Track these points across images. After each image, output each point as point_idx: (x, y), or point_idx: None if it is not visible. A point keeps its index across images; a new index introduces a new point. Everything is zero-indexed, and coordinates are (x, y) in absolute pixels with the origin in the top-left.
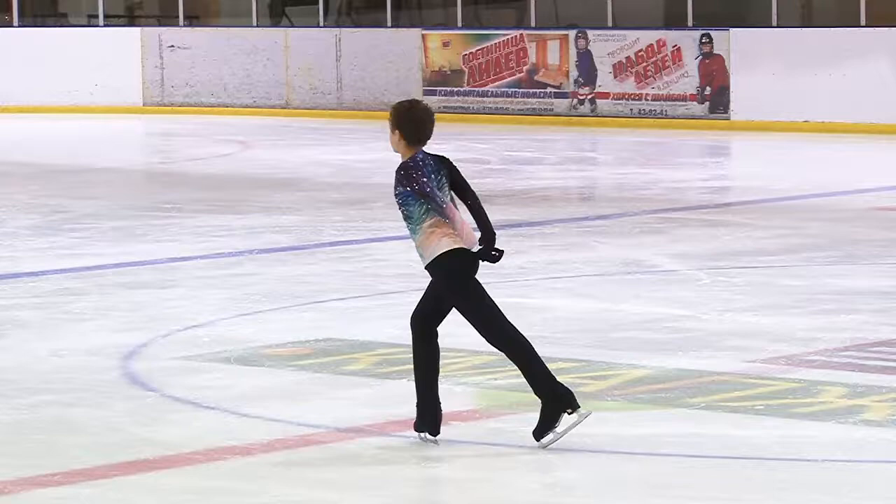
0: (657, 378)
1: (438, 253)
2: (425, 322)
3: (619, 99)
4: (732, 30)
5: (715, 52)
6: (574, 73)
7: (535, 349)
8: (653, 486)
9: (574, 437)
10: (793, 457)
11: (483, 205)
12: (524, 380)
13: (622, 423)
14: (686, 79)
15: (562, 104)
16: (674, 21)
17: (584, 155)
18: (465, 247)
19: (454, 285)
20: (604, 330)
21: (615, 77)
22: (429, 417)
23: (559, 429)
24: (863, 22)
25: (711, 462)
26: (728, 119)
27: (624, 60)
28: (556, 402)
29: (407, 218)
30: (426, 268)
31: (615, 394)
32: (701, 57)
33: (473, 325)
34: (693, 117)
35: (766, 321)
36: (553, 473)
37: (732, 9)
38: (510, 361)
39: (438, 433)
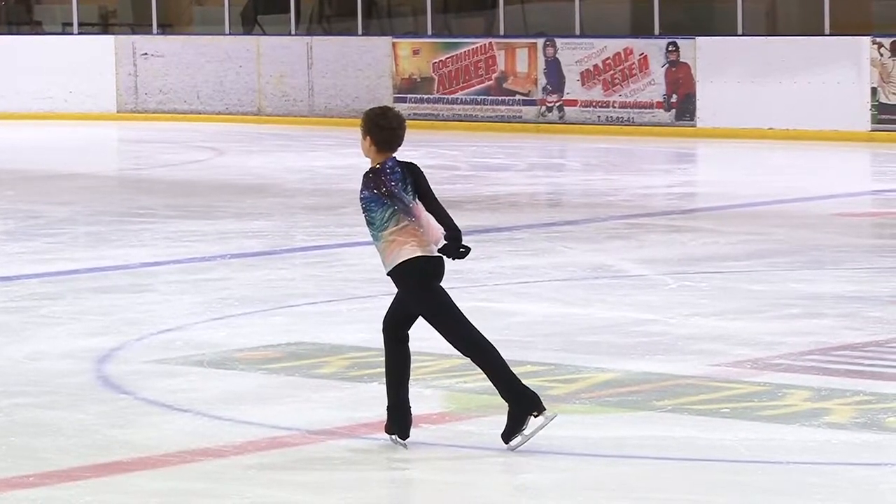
0: (624, 381)
1: (399, 261)
2: (396, 327)
3: (587, 106)
4: (698, 38)
5: (681, 60)
6: (542, 81)
7: (500, 353)
8: (620, 488)
9: (542, 439)
10: (758, 459)
11: (448, 210)
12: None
13: (589, 426)
14: (653, 86)
15: (530, 111)
16: (640, 30)
17: (552, 161)
18: (426, 253)
19: (416, 293)
20: (571, 334)
21: (583, 85)
22: (398, 420)
23: (526, 431)
24: (827, 31)
25: (678, 465)
26: (694, 126)
27: (591, 68)
28: (522, 404)
29: (369, 223)
30: (388, 274)
31: (582, 397)
32: (667, 65)
33: (438, 331)
34: (660, 124)
35: (731, 325)
36: (522, 475)
37: (698, 18)
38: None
39: (408, 437)
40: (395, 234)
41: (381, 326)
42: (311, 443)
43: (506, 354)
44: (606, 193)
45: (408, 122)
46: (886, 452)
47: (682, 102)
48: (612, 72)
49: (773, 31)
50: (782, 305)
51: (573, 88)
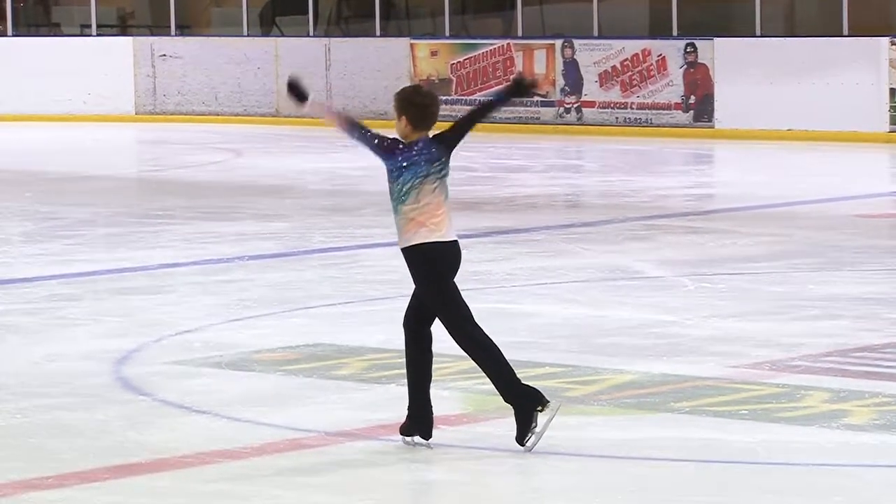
0: (642, 383)
1: (414, 242)
2: (418, 323)
3: (605, 107)
4: (717, 39)
5: (699, 61)
6: (560, 82)
7: (504, 356)
8: (637, 490)
9: (560, 440)
10: (777, 461)
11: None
12: None
13: (607, 427)
14: (671, 87)
15: (548, 113)
16: (659, 31)
17: (570, 163)
18: (442, 238)
19: (425, 279)
20: (589, 335)
21: (601, 86)
22: (421, 420)
23: (537, 429)
24: (845, 32)
25: (696, 466)
26: (712, 127)
27: (609, 69)
28: (525, 402)
29: (389, 193)
30: (401, 250)
31: (601, 398)
32: (685, 66)
33: (443, 323)
34: (678, 126)
35: (749, 327)
36: (539, 476)
37: (716, 19)
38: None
39: (430, 437)
40: (414, 213)
41: (400, 328)
42: (330, 444)
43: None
44: (624, 195)
45: None
46: None
47: (700, 103)
48: (630, 73)
49: (791, 33)
50: (801, 307)
51: (591, 90)
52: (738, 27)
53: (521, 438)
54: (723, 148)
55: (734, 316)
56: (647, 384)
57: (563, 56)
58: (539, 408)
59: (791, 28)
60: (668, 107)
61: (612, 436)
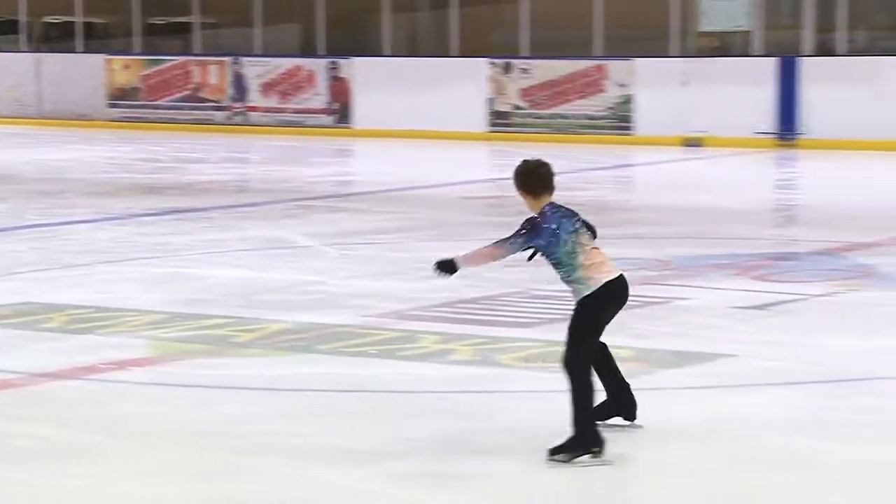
0: (295, 330)
1: (605, 281)
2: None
3: (267, 112)
4: (355, 58)
5: (341, 75)
6: (230, 91)
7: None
8: (292, 414)
9: (229, 378)
10: (400, 389)
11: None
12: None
13: (268, 366)
14: (318, 96)
15: (220, 115)
16: (308, 50)
17: (238, 156)
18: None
19: (599, 308)
20: (252, 293)
21: (263, 94)
22: (624, 405)
23: (566, 459)
24: (455, 53)
25: (338, 394)
26: (351, 128)
27: (270, 81)
28: (583, 444)
29: (558, 267)
30: (589, 294)
31: (262, 343)
32: (330, 79)
33: (569, 338)
34: (324, 126)
35: (378, 285)
36: (214, 407)
37: (355, 42)
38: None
39: (635, 418)
40: (588, 261)
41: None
42: (36, 384)
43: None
44: (281, 181)
45: (120, 125)
46: (499, 382)
47: (342, 109)
48: (286, 84)
49: (413, 54)
50: (419, 269)
51: (255, 97)
52: (372, 48)
53: (553, 452)
54: (359, 145)
55: (367, 276)
56: (298, 331)
57: (232, 70)
58: (595, 452)
59: (413, 49)
60: (316, 111)
61: (272, 372)
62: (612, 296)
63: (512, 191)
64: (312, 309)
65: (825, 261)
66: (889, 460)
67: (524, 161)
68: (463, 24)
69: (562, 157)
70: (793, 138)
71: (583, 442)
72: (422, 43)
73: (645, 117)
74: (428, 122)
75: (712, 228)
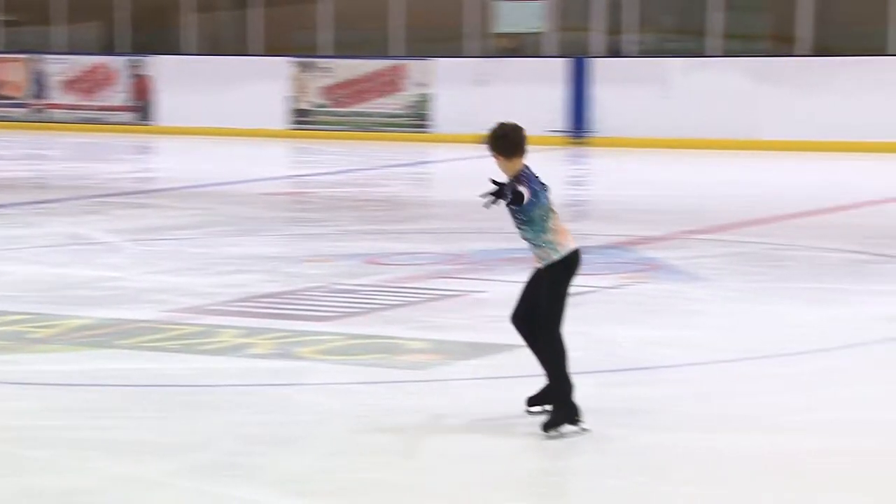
0: (94, 326)
1: (572, 248)
2: (531, 324)
3: (69, 109)
4: (158, 56)
5: (143, 73)
6: (32, 88)
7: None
8: (91, 409)
9: (26, 373)
10: (201, 384)
11: None
12: None
13: (65, 362)
14: (121, 94)
15: (20, 112)
16: (110, 49)
17: (39, 153)
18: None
19: (569, 279)
20: (51, 289)
21: (65, 92)
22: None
23: (558, 433)
24: (259, 52)
25: (138, 389)
26: (153, 125)
27: (72, 79)
28: (567, 416)
29: (532, 221)
30: (558, 260)
31: (61, 339)
32: (132, 77)
33: (545, 314)
34: (127, 123)
35: (179, 280)
36: (8, 402)
37: (157, 40)
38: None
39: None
40: (560, 223)
41: None
42: None
43: None
44: (83, 177)
45: None
46: (297, 374)
47: (145, 106)
48: (89, 82)
49: (216, 51)
50: (219, 264)
51: (56, 95)
52: (175, 47)
53: (548, 427)
54: (162, 142)
55: (167, 272)
56: (97, 327)
57: (33, 68)
58: (576, 421)
59: (216, 48)
60: (119, 108)
61: (71, 368)
62: (576, 266)
63: (311, 187)
64: (112, 305)
65: (614, 254)
66: (674, 443)
67: (499, 124)
68: (267, 23)
69: (361, 155)
70: (584, 136)
71: (567, 415)
72: (224, 42)
73: (442, 116)
74: (230, 119)
75: (507, 223)
